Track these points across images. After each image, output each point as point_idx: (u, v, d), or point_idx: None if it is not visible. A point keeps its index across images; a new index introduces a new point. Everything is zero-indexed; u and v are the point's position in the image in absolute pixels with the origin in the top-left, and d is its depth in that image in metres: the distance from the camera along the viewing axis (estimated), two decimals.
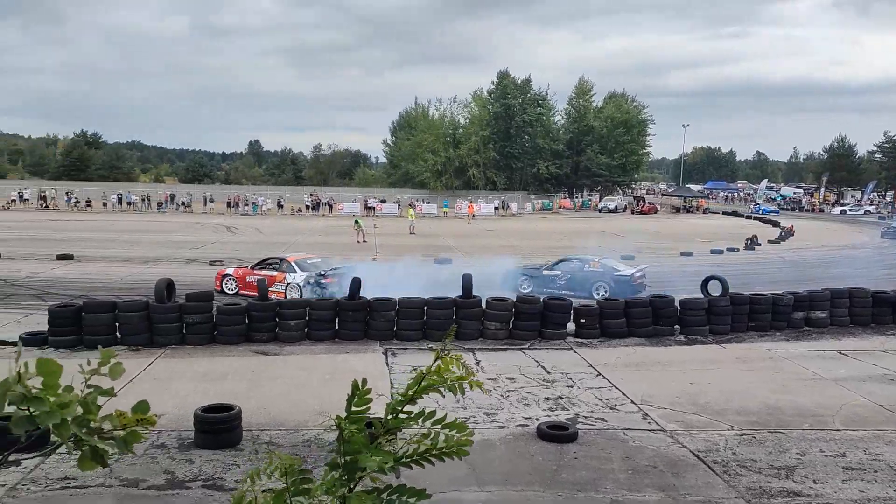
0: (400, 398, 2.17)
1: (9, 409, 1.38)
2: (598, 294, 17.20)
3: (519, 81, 74.50)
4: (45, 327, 12.45)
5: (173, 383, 10.07)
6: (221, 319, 12.65)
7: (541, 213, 63.66)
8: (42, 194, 58.91)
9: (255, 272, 17.55)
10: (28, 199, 58.27)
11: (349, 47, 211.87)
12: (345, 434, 2.03)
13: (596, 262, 18.59)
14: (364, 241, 33.54)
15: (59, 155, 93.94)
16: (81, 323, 12.11)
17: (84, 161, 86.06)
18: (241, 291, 17.41)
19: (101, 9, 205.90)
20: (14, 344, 12.02)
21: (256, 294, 13.71)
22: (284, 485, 2.06)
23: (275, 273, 17.45)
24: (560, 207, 67.83)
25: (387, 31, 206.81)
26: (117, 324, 12.30)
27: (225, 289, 17.87)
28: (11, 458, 7.00)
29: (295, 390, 9.97)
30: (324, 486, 2.00)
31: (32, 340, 11.99)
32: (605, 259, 19.20)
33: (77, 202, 57.52)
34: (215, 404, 8.15)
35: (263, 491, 2.07)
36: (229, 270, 18.73)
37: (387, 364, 11.54)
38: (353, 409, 2.16)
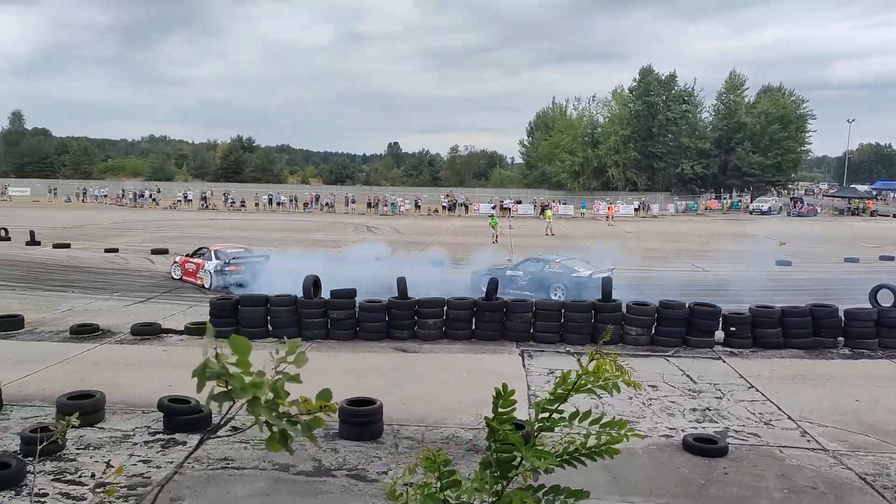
0: (550, 397, 2.16)
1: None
2: (556, 295, 16.95)
3: (663, 78, 71.79)
4: (206, 318, 13.57)
5: (319, 376, 10.52)
6: (364, 316, 13.18)
7: (684, 215, 60.98)
8: (203, 195, 64.15)
9: (190, 259, 19.86)
10: (191, 200, 63.71)
11: (487, 49, 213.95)
12: (499, 433, 2.05)
13: (556, 262, 18.57)
14: (495, 242, 33.68)
15: (217, 158, 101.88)
16: (238, 315, 13.07)
17: (239, 164, 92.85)
18: (185, 278, 19.85)
19: (256, 22, 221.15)
20: (180, 332, 13.20)
21: (194, 281, 17.55)
22: (431, 480, 2.10)
23: (201, 261, 19.51)
24: (706, 209, 64.65)
25: (525, 31, 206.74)
26: (269, 317, 13.17)
27: (173, 274, 20.35)
28: (181, 438, 7.68)
29: (434, 388, 10.19)
30: (475, 483, 2.03)
31: (195, 330, 13.11)
32: (566, 260, 19.09)
33: (233, 202, 62.17)
34: (359, 398, 8.50)
35: (413, 485, 2.12)
36: (176, 258, 20.99)
37: (523, 366, 11.52)
38: (500, 409, 2.17)
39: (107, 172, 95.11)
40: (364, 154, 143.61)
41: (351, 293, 13.40)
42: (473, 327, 13.27)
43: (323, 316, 13.12)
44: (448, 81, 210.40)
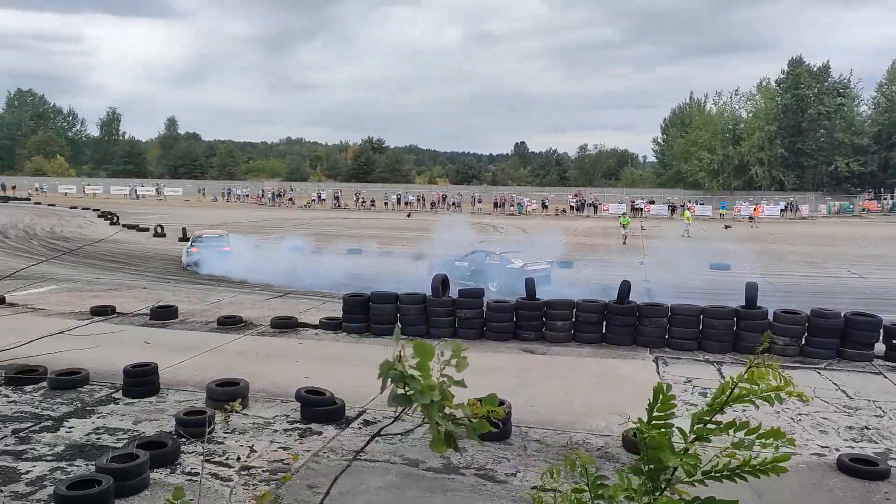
0: (707, 408, 2.07)
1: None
2: (493, 286, 18.31)
3: (814, 69, 67.02)
4: (339, 314, 14.15)
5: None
6: (491, 316, 13.25)
7: (838, 217, 56.60)
8: (335, 195, 66.98)
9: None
10: (324, 199, 66.73)
11: (618, 44, 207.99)
12: (647, 439, 1.98)
13: (496, 255, 19.67)
14: (625, 243, 32.80)
15: (349, 159, 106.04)
16: (369, 311, 13.53)
17: (369, 165, 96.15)
18: None
19: (387, 27, 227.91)
20: (315, 327, 13.83)
21: None
22: (582, 486, 2.06)
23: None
24: (863, 210, 59.66)
25: (659, 24, 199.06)
26: (398, 314, 13.53)
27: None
28: (316, 428, 8.04)
29: (562, 391, 10.07)
30: (624, 491, 1.98)
31: (329, 325, 13.71)
32: (506, 253, 20.10)
33: (363, 202, 64.49)
34: (478, 398, 8.54)
35: (561, 492, 2.09)
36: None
37: (657, 373, 11.14)
38: (656, 414, 2.10)
39: (248, 173, 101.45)
40: (490, 154, 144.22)
41: (479, 293, 13.51)
42: (604, 331, 13.00)
43: (451, 315, 13.30)
44: (577, 79, 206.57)
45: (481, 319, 13.27)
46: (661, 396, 2.14)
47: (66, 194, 75.19)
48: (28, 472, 6.88)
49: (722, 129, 69.51)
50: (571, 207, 61.15)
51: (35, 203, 59.23)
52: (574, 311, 13.14)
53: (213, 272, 21.37)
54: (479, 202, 62.87)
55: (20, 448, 7.48)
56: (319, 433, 8.14)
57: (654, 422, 2.04)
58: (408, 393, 1.46)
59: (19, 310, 14.66)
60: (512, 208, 60.12)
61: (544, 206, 61.09)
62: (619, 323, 12.80)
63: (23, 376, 9.62)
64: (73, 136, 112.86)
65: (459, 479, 6.93)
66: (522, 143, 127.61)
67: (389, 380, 1.47)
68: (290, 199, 67.45)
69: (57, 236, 33.41)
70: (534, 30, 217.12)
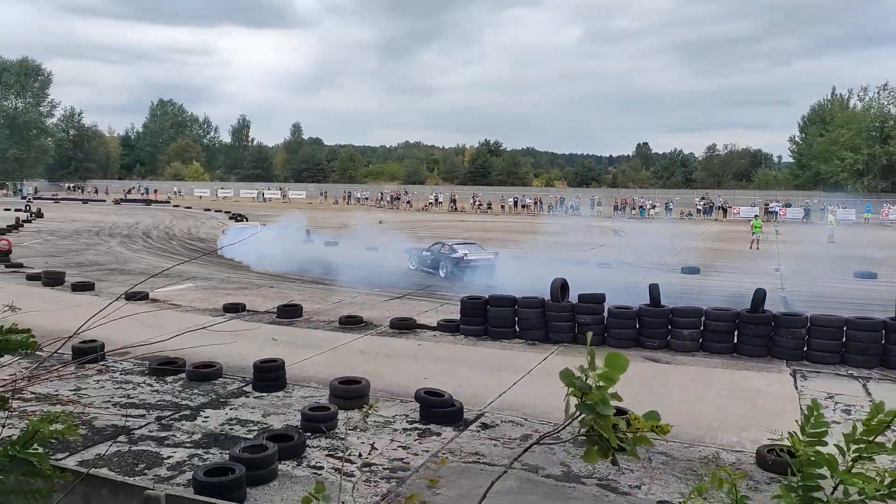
0: (865, 427, 1.93)
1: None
2: (442, 273, 21.63)
3: None
4: (455, 316, 14.31)
5: None
6: (612, 322, 12.96)
7: None
8: (452, 197, 67.82)
9: None
10: (441, 202, 67.72)
11: (751, 38, 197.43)
12: (802, 456, 1.87)
13: (448, 245, 22.45)
14: (757, 248, 31.14)
15: (466, 162, 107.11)
16: (487, 315, 13.58)
17: (486, 167, 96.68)
18: None
19: (505, 29, 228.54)
20: (433, 328, 14.04)
21: None
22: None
23: None
24: None
25: (799, 16, 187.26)
26: (516, 318, 13.50)
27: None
28: (435, 429, 8.16)
29: (689, 403, 9.69)
30: None
31: (447, 327, 13.89)
32: (457, 243, 22.78)
33: (479, 204, 64.90)
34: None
35: None
36: None
37: (795, 387, 10.48)
38: (810, 430, 1.98)
39: (368, 177, 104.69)
40: (610, 155, 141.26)
41: (599, 298, 13.25)
42: (735, 341, 12.40)
43: (570, 320, 13.13)
44: (704, 76, 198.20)
45: (602, 325, 13.00)
46: (814, 413, 2.02)
47: (200, 197, 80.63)
48: (169, 457, 7.41)
49: (868, 127, 64.60)
50: (698, 210, 58.75)
51: (174, 206, 63.81)
52: (702, 319, 12.62)
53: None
54: (599, 205, 61.69)
55: (162, 434, 8.08)
56: (438, 434, 8.25)
57: (806, 439, 1.94)
58: (590, 404, 1.47)
59: (161, 305, 15.83)
60: (633, 211, 58.56)
61: (668, 209, 59.05)
62: (753, 333, 12.17)
63: (164, 367, 10.38)
64: (208, 142, 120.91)
65: (581, 488, 6.82)
66: (645, 143, 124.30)
67: (570, 388, 1.49)
68: (408, 202, 68.95)
69: (193, 237, 35.83)
70: (658, 26, 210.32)
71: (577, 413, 1.52)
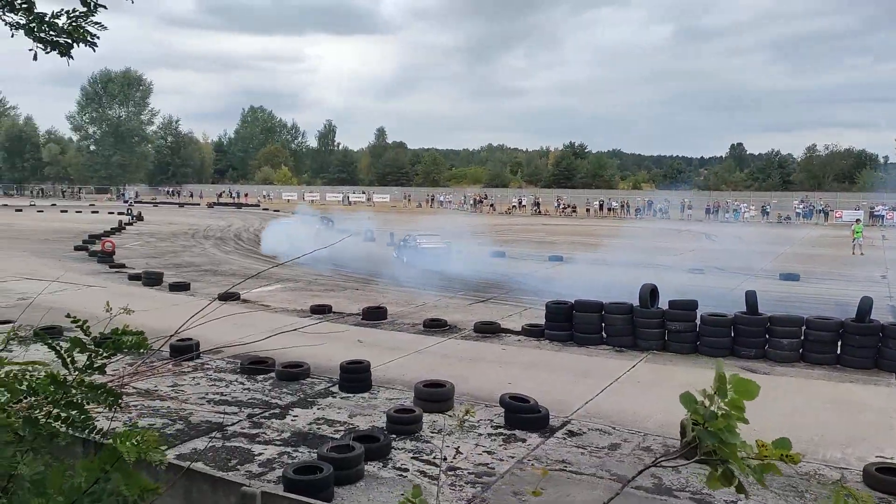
0: None
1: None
2: (405, 258, 24.89)
3: None
4: (540, 320, 14.19)
5: (656, 389, 10.36)
6: (705, 329, 12.55)
7: None
8: (536, 200, 67.41)
9: None
10: (525, 205, 67.40)
11: (854, 33, 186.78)
12: None
13: (412, 236, 26.04)
14: (861, 254, 29.46)
15: (549, 165, 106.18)
16: (572, 320, 13.41)
17: (570, 170, 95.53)
18: None
19: (591, 30, 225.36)
20: (517, 333, 13.98)
21: None
22: None
23: None
24: None
25: None
26: (603, 324, 13.26)
27: None
28: (520, 435, 8.12)
29: (788, 416, 9.25)
30: None
31: (532, 332, 13.79)
32: (420, 235, 26.09)
33: (564, 207, 64.21)
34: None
35: None
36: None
37: None
38: None
39: (451, 180, 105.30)
40: (702, 157, 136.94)
41: (691, 304, 12.86)
42: (838, 352, 11.78)
43: (660, 326, 12.79)
44: (804, 73, 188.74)
45: (694, 333, 12.61)
46: None
47: (288, 200, 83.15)
48: (260, 454, 7.67)
49: None
50: (797, 214, 56.16)
51: (263, 209, 66.09)
52: (803, 328, 12.05)
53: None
54: (690, 208, 59.82)
55: (253, 432, 8.36)
56: (523, 440, 8.20)
57: None
58: (710, 430, 1.43)
59: (252, 306, 16.41)
60: (727, 215, 56.54)
61: (765, 213, 56.70)
62: (858, 344, 11.54)
63: (255, 367, 10.75)
64: (296, 147, 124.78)
65: (672, 501, 6.63)
66: (739, 144, 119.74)
67: (691, 413, 1.45)
68: (491, 205, 68.94)
69: None
70: (753, 22, 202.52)
71: (696, 439, 1.47)
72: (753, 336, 12.22)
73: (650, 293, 13.17)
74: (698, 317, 12.73)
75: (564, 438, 8.32)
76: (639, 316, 12.96)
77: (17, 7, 2.84)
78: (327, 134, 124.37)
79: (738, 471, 1.50)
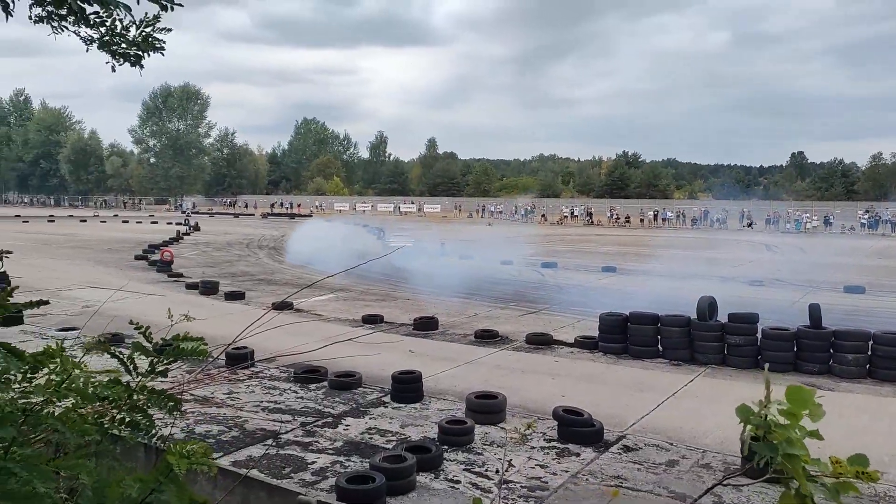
0: None
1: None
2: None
3: None
4: (593, 332, 14.00)
5: (715, 404, 10.09)
6: (766, 344, 12.19)
7: None
8: (588, 211, 66.76)
9: None
10: (577, 215, 66.84)
11: None
12: None
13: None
14: None
15: (602, 175, 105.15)
16: (627, 332, 13.19)
17: (624, 180, 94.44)
18: None
19: (645, 37, 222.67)
20: (570, 344, 13.82)
21: None
22: None
23: None
24: None
25: None
26: (659, 337, 13.01)
27: None
28: (573, 449, 8.02)
29: (856, 435, 8.89)
30: None
31: (585, 343, 13.62)
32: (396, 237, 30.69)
33: (617, 218, 63.41)
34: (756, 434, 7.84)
35: None
36: None
37: None
38: None
39: (502, 191, 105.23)
40: (761, 166, 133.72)
41: (752, 318, 12.52)
42: None
43: (719, 340, 12.48)
44: (867, 79, 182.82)
45: (754, 347, 12.26)
46: None
47: (340, 211, 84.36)
48: (313, 462, 7.74)
49: None
50: (862, 224, 54.29)
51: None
52: (870, 343, 11.60)
53: None
54: (749, 218, 58.42)
55: (307, 440, 8.45)
56: (577, 455, 8.08)
57: None
58: (773, 444, 1.38)
59: (304, 316, 16.64)
60: (788, 225, 55.01)
61: (828, 223, 54.98)
62: None
63: (308, 376, 10.88)
64: (348, 158, 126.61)
65: None
66: (800, 152, 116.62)
67: (748, 425, 1.41)
68: (543, 216, 68.57)
69: None
70: (815, 27, 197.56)
71: (759, 455, 1.41)
72: (817, 351, 11.82)
73: (709, 306, 12.87)
74: (759, 330, 12.40)
75: (620, 453, 8.17)
76: (697, 329, 12.68)
77: (92, 22, 2.95)
78: (379, 145, 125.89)
79: (813, 489, 1.44)
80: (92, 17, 2.92)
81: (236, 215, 75.38)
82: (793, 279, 23.44)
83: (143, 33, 3.07)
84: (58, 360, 1.91)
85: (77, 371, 1.97)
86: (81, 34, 3.03)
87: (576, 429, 8.50)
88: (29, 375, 1.98)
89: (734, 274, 25.66)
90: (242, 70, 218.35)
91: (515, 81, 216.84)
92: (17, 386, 1.94)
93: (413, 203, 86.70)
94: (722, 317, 12.87)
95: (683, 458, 7.97)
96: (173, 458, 1.84)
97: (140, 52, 3.14)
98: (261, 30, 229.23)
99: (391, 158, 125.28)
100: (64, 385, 1.87)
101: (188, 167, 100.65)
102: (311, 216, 72.35)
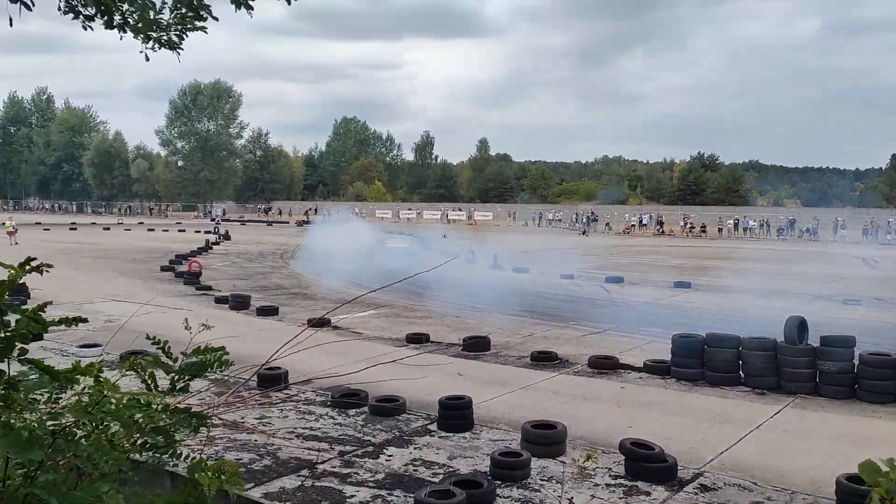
0: None
1: None
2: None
3: None
4: (664, 356, 13.79)
5: (805, 439, 9.83)
6: (864, 371, 11.82)
7: None
8: (659, 219, 65.96)
9: None
10: (646, 224, 66.07)
11: None
12: None
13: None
14: None
15: (674, 179, 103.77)
16: (704, 356, 12.96)
17: (699, 184, 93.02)
18: None
19: (723, 26, 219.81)
20: (639, 369, 13.65)
21: None
22: None
23: None
24: None
25: None
26: (741, 362, 12.74)
27: None
28: (643, 487, 7.90)
29: None
30: None
31: (655, 368, 13.42)
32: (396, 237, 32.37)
33: (692, 227, 62.45)
34: (853, 474, 7.60)
35: None
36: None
37: None
38: None
39: (560, 196, 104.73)
40: (857, 169, 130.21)
41: (848, 341, 12.17)
42: None
43: (810, 366, 12.16)
44: None
45: (851, 375, 11.91)
46: None
47: (381, 218, 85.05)
48: (352, 496, 7.78)
49: None
50: None
51: None
52: None
53: None
54: (843, 228, 56.89)
55: (345, 471, 8.50)
56: (648, 493, 7.95)
57: None
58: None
59: (343, 334, 16.82)
60: (888, 236, 53.39)
61: None
62: None
63: (347, 400, 10.97)
64: (391, 160, 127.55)
65: None
66: None
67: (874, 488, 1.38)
68: (607, 224, 67.99)
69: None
70: None
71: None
72: None
73: (798, 327, 12.57)
74: (856, 356, 12.05)
75: (696, 493, 8.00)
76: (784, 353, 12.37)
77: (124, 10, 3.06)
78: (425, 146, 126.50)
79: None
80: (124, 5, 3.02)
81: (269, 223, 76.74)
82: (895, 298, 22.73)
83: (179, 15, 3.16)
84: (91, 380, 1.97)
85: (109, 393, 2.03)
86: (115, 19, 3.14)
87: (646, 464, 8.36)
88: (55, 395, 2.05)
89: (827, 292, 25.01)
90: (277, 65, 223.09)
91: (576, 76, 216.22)
92: (44, 407, 2.00)
93: (461, 210, 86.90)
94: (813, 340, 12.56)
95: (769, 500, 7.77)
96: (203, 477, 1.88)
97: (180, 33, 3.22)
98: (298, 22, 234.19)
99: (438, 161, 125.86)
100: (96, 407, 1.93)
101: (218, 170, 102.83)
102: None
